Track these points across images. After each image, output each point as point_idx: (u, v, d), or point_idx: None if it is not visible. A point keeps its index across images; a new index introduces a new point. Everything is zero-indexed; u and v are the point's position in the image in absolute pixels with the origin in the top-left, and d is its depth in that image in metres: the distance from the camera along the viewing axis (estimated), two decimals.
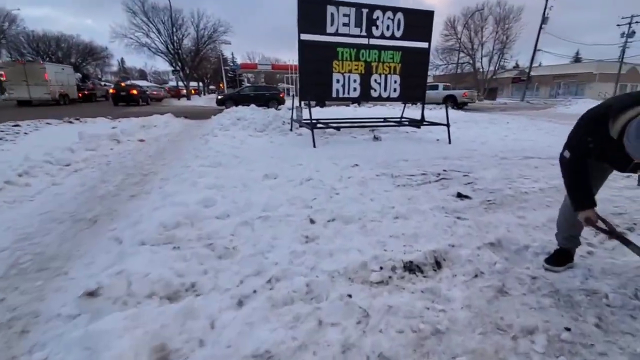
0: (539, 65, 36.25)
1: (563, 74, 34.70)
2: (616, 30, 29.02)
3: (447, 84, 22.41)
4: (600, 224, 1.73)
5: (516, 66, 39.80)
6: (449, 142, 6.52)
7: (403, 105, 8.63)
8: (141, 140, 7.13)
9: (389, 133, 7.67)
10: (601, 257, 2.20)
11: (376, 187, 3.47)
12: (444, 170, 4.25)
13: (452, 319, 1.55)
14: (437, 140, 6.85)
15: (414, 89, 7.06)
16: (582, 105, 15.96)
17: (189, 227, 2.35)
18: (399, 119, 8.09)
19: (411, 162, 4.77)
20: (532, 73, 30.08)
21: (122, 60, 69.32)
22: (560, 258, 2.05)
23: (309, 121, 6.36)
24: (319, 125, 6.92)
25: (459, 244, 2.23)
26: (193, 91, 39.87)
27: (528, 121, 10.15)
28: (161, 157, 5.57)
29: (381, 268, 1.92)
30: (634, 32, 27.81)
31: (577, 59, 40.72)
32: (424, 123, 7.27)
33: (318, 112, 10.24)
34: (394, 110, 12.59)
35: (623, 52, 28.22)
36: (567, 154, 1.71)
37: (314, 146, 5.93)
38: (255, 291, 1.71)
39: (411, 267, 1.95)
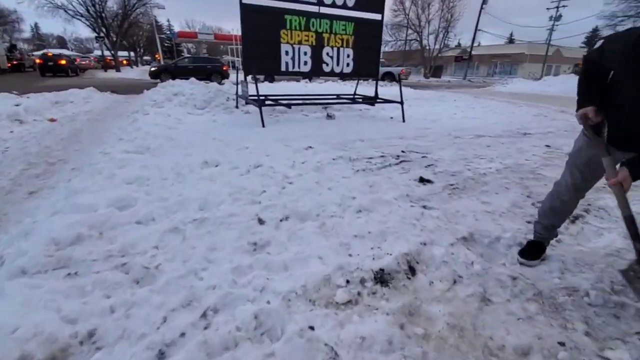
0: (479, 45, 38.24)
1: (499, 54, 36.98)
2: (546, 14, 31.37)
3: (383, 60, 22.48)
4: (589, 132, 1.50)
5: (458, 45, 41.53)
6: (403, 121, 6.37)
7: (356, 81, 8.29)
8: (52, 120, 5.93)
9: (342, 111, 7.31)
10: (569, 244, 2.11)
11: (334, 173, 3.10)
12: (403, 152, 4.02)
13: (438, 348, 1.26)
14: (391, 118, 6.66)
15: (367, 64, 6.71)
16: (518, 84, 17.13)
17: (94, 241, 1.78)
18: (352, 96, 7.75)
19: (368, 142, 4.48)
20: (472, 52, 31.58)
21: (36, 26, 59.16)
22: (535, 250, 1.89)
23: (256, 98, 5.72)
24: (267, 102, 6.31)
25: (430, 241, 1.97)
26: (125, 62, 35.44)
27: (473, 99, 10.46)
28: (76, 141, 4.60)
29: (348, 282, 1.58)
30: (560, 16, 30.27)
31: (510, 40, 43.60)
32: (378, 100, 7.02)
33: (266, 88, 9.51)
34: (345, 86, 12.25)
35: (550, 34, 30.72)
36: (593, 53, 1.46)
37: (263, 126, 5.36)
38: (183, 334, 1.26)
39: (382, 278, 1.63)
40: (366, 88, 9.69)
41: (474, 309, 1.47)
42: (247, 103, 6.79)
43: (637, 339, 1.36)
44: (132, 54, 42.32)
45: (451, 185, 2.99)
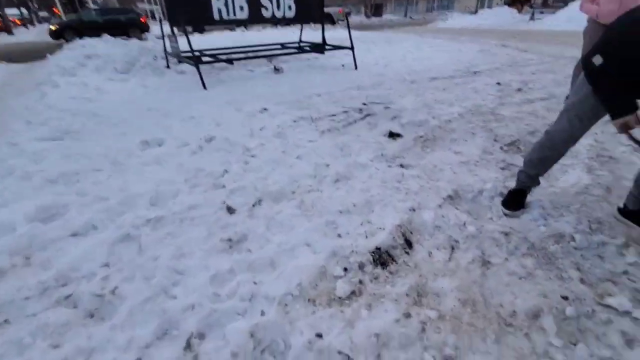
0: None
1: None
2: None
3: None
4: (636, 133, 1.39)
5: None
6: (355, 68, 6.04)
7: (300, 27, 7.57)
8: None
9: (289, 62, 6.72)
10: (542, 186, 2.14)
11: (298, 137, 2.82)
12: (364, 104, 3.80)
13: (455, 330, 1.19)
14: (343, 66, 6.29)
15: (311, 6, 6.06)
16: (457, 19, 17.18)
17: (21, 271, 1.39)
18: (298, 45, 7.12)
19: (325, 96, 4.16)
20: None
21: None
22: (517, 199, 1.88)
23: (190, 54, 4.95)
24: (204, 58, 5.53)
25: (418, 205, 1.86)
26: (18, 22, 29.03)
27: (419, 39, 10.28)
28: None
29: (346, 270, 1.42)
30: None
31: None
32: (327, 47, 6.53)
33: (198, 41, 8.39)
34: (288, 33, 11.28)
35: None
36: (598, 60, 1.30)
37: (204, 88, 4.72)
38: None
39: (381, 259, 1.50)
40: (309, 34, 8.99)
41: (478, 277, 1.42)
42: (180, 61, 5.92)
43: (626, 278, 1.41)
44: (25, 11, 34.68)
45: (421, 137, 2.88)
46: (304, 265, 1.42)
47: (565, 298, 1.33)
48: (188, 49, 4.89)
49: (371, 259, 1.49)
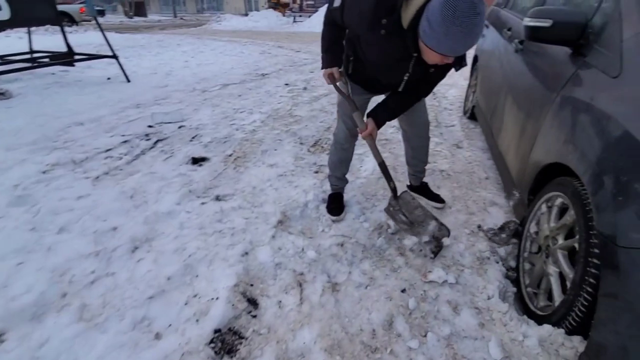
0: None
1: None
2: None
3: None
4: (340, 85, 1.58)
5: None
6: (128, 80, 4.97)
7: (27, 32, 5.52)
8: None
9: (21, 81, 4.77)
10: (350, 180, 2.30)
11: (57, 196, 1.93)
12: (151, 127, 3.11)
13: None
14: (109, 79, 5.03)
15: (33, 4, 4.43)
16: (231, 21, 17.54)
17: None
18: (30, 56, 5.21)
19: (91, 124, 3.14)
20: None
21: None
22: (337, 202, 1.92)
23: None
24: None
25: (250, 246, 1.58)
26: None
27: (198, 41, 9.74)
28: None
29: None
30: None
31: None
32: (79, 58, 5.06)
33: None
34: (13, 42, 8.17)
35: None
36: (337, 2, 1.31)
37: None
38: None
39: (225, 345, 1.11)
40: (45, 40, 6.84)
41: (333, 307, 1.29)
42: None
43: (429, 249, 1.62)
44: None
45: (230, 156, 2.58)
46: None
47: (404, 291, 1.39)
48: None
49: (212, 353, 1.09)
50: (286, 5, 21.04)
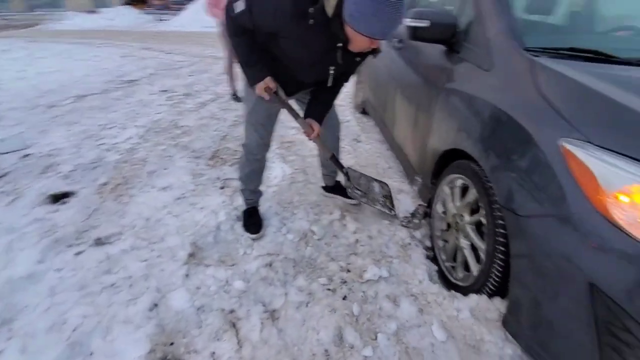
0: None
1: None
2: None
3: None
4: (279, 95, 1.44)
5: None
6: None
7: None
8: None
9: None
10: (264, 191, 2.16)
11: None
12: None
13: None
14: None
15: None
16: (76, 19, 14.67)
17: None
18: None
19: None
20: None
21: None
22: (254, 218, 1.76)
23: None
24: None
25: (158, 294, 1.28)
26: None
27: (33, 45, 7.77)
28: None
29: None
30: None
31: None
32: None
33: None
34: None
35: None
36: (240, 5, 1.15)
37: None
38: None
39: None
40: None
41: (276, 339, 1.15)
42: None
43: (360, 245, 1.63)
44: None
45: (105, 184, 2.10)
46: None
47: (345, 298, 1.34)
48: None
49: None
50: (144, 1, 18.80)
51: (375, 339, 1.18)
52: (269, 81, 1.34)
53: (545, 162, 0.94)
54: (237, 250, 1.58)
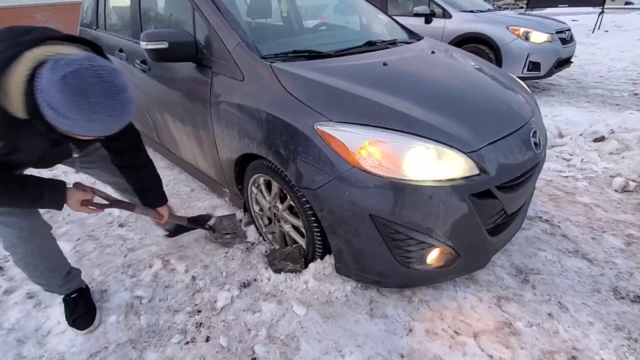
0: None
1: None
2: None
3: None
4: (98, 200, 1.24)
5: None
6: None
7: None
8: None
9: None
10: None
11: None
12: None
13: None
14: None
15: None
16: None
17: None
18: None
19: None
20: None
21: None
22: (85, 304, 1.38)
23: None
24: None
25: None
26: None
27: None
28: None
29: None
30: None
31: None
32: None
33: None
34: None
35: None
36: None
37: None
38: None
39: None
40: None
41: None
42: None
43: (199, 280, 1.55)
44: None
45: None
46: None
47: (207, 339, 1.28)
48: None
49: None
50: None
51: (254, 352, 1.21)
52: (79, 192, 1.15)
53: (313, 144, 1.20)
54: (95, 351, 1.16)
